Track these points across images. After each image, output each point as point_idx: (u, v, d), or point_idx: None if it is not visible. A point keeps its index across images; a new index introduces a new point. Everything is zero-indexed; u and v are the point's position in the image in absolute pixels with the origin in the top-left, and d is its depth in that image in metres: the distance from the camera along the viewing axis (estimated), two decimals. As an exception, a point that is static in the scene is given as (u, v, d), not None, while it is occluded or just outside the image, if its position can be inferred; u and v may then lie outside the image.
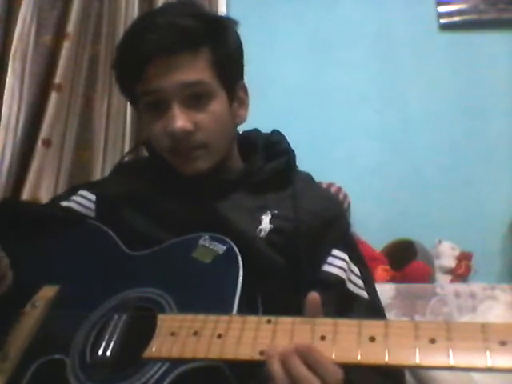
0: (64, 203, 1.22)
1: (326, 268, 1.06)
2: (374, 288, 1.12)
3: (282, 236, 1.03)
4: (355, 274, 1.09)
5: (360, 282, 1.09)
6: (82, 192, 1.23)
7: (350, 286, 1.06)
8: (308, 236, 1.04)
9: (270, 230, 1.03)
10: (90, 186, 1.26)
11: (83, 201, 1.22)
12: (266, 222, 1.04)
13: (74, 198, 1.23)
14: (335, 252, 1.08)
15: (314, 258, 1.04)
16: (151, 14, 1.14)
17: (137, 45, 1.04)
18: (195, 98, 1.05)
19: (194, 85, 1.04)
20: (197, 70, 1.04)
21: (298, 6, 2.54)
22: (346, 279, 1.06)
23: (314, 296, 0.77)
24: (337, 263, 1.07)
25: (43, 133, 2.12)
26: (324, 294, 1.00)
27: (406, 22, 2.49)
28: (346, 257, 1.08)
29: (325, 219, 1.08)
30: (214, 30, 1.07)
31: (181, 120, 1.02)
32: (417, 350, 0.66)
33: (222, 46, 1.08)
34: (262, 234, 1.03)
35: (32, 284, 1.03)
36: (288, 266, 1.01)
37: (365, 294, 1.08)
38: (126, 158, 1.41)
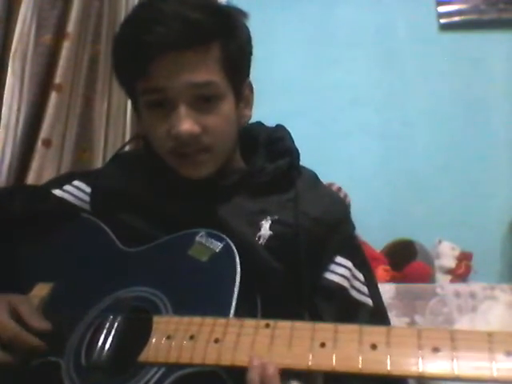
0: (57, 192, 1.17)
1: (328, 275, 1.03)
2: (379, 293, 1.09)
3: (282, 243, 1.00)
4: (359, 281, 1.06)
5: (364, 289, 1.06)
6: (77, 183, 1.18)
7: (354, 293, 1.04)
8: (309, 243, 1.00)
9: (270, 237, 1.00)
10: (86, 177, 1.20)
11: (78, 192, 1.17)
12: (265, 228, 1.00)
13: (69, 188, 1.18)
14: (338, 259, 1.05)
15: (315, 265, 1.02)
16: (153, 3, 1.01)
17: (142, 36, 0.94)
18: (203, 100, 0.98)
19: (203, 86, 0.97)
20: (207, 69, 0.97)
21: (298, 5, 2.54)
22: (348, 287, 1.03)
23: None
24: (339, 271, 1.04)
25: (43, 133, 2.11)
26: (325, 301, 0.99)
27: (406, 22, 2.49)
28: (349, 264, 1.05)
29: (327, 225, 1.04)
30: (225, 25, 1.00)
31: (187, 123, 0.96)
32: (420, 359, 0.65)
33: (233, 43, 1.00)
34: (262, 240, 0.99)
35: (25, 281, 1.02)
36: (288, 273, 0.98)
37: (369, 301, 1.05)
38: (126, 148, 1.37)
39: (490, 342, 0.63)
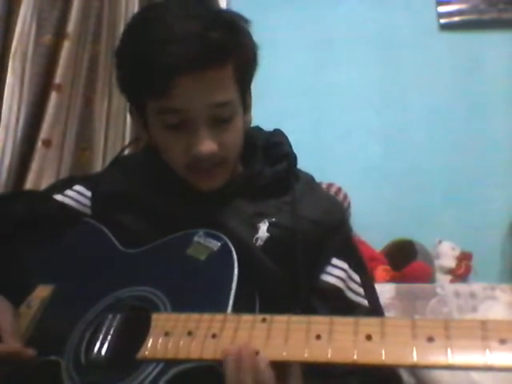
0: (59, 197, 1.17)
1: (324, 277, 1.04)
2: (375, 294, 1.10)
3: (279, 245, 1.00)
4: (355, 282, 1.06)
5: (360, 290, 1.06)
6: (78, 187, 1.19)
7: (350, 295, 1.05)
8: (306, 245, 1.01)
9: (267, 239, 1.00)
10: (87, 181, 1.21)
11: (79, 197, 1.18)
12: (263, 231, 1.01)
13: (70, 193, 1.18)
14: (334, 261, 1.05)
15: (311, 267, 1.03)
16: (159, 15, 0.98)
17: (160, 57, 0.91)
18: (221, 119, 0.98)
19: (223, 105, 0.96)
20: (225, 89, 0.97)
21: (298, 5, 2.54)
22: (343, 288, 1.04)
23: None
24: (335, 273, 1.04)
25: (43, 133, 2.12)
26: (321, 302, 1.00)
27: (406, 22, 2.49)
28: (345, 266, 1.06)
29: (325, 228, 1.05)
30: (237, 40, 0.98)
31: (208, 143, 0.96)
32: (414, 348, 0.65)
33: (243, 56, 1.00)
34: (259, 242, 1.00)
35: (27, 283, 1.03)
36: (284, 276, 0.99)
37: (365, 302, 1.05)
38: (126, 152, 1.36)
39: (484, 330, 0.63)
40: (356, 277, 1.07)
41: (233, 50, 0.97)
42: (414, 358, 0.64)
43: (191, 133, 0.96)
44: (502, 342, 0.62)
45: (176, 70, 0.91)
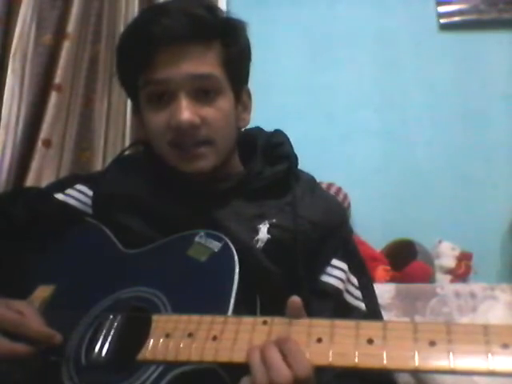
0: (60, 196, 1.18)
1: (324, 278, 1.04)
2: (374, 298, 1.10)
3: (280, 247, 1.00)
4: (353, 285, 1.07)
5: (358, 293, 1.06)
6: (80, 186, 1.20)
7: (348, 297, 1.05)
8: (306, 247, 1.01)
9: (268, 241, 1.00)
10: (88, 180, 1.22)
11: (81, 196, 1.18)
12: (263, 232, 1.01)
13: (71, 192, 1.19)
14: (334, 262, 1.06)
15: (312, 268, 1.02)
16: (160, 3, 1.09)
17: (147, 29, 0.98)
18: (203, 92, 1.01)
19: (203, 78, 1.00)
20: (208, 63, 1.01)
21: (298, 5, 2.54)
22: (343, 290, 1.04)
23: (294, 300, 0.77)
24: (335, 273, 1.04)
25: (43, 133, 2.12)
26: (321, 304, 1.00)
27: (406, 22, 2.48)
28: (345, 267, 1.06)
29: (325, 229, 1.05)
30: (227, 27, 1.04)
31: (187, 113, 0.98)
32: (416, 353, 0.65)
33: (234, 45, 1.05)
34: (259, 244, 1.00)
35: (27, 283, 1.03)
36: (285, 277, 0.99)
37: (362, 306, 1.05)
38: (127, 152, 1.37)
39: (486, 334, 0.63)
40: (354, 280, 1.08)
41: (221, 34, 1.03)
42: (416, 362, 0.64)
43: (172, 105, 1.00)
44: (505, 346, 0.61)
45: (162, 39, 0.97)
